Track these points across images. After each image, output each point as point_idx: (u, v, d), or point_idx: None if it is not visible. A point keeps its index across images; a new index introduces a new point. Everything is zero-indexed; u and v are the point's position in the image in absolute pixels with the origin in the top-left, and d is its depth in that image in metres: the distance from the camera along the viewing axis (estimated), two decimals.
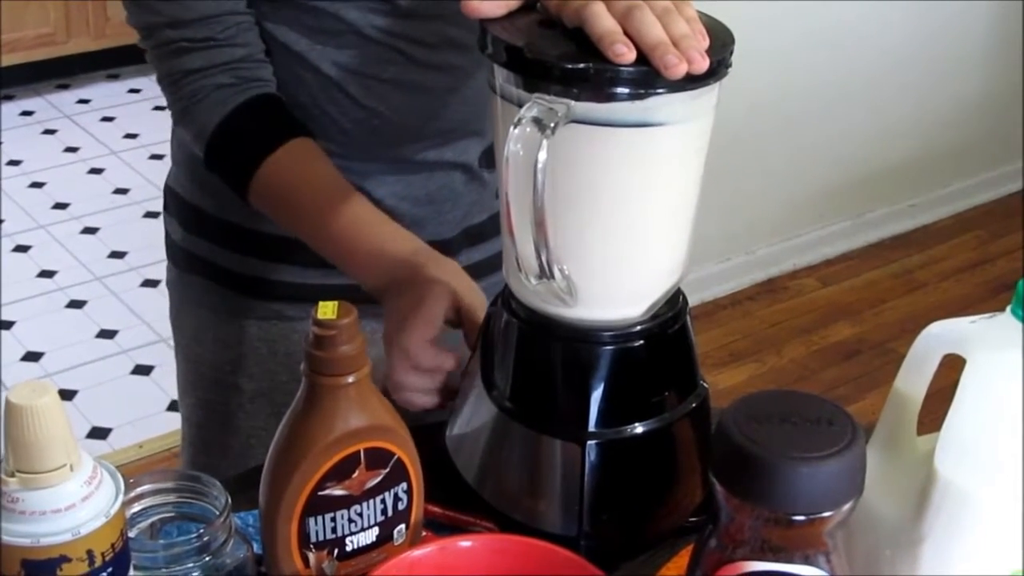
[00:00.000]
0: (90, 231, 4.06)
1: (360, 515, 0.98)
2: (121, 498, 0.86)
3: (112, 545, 0.86)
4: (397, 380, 1.19)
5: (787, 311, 3.72)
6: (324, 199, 1.28)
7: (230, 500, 0.98)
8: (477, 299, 1.24)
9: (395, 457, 0.98)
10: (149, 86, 4.83)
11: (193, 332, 1.51)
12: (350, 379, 0.94)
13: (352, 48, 1.31)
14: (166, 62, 1.31)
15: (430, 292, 1.20)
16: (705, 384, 1.14)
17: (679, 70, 0.93)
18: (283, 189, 1.29)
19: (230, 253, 1.45)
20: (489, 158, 1.43)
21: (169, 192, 1.51)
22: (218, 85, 1.29)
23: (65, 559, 0.84)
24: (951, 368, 0.90)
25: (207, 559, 0.96)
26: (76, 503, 0.84)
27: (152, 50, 1.32)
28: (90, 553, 0.85)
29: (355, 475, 0.96)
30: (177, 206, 1.50)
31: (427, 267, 1.24)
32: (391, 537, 1.00)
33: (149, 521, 0.99)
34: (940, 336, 0.92)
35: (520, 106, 0.95)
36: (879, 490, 0.90)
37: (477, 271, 1.47)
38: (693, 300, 1.12)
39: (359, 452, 0.96)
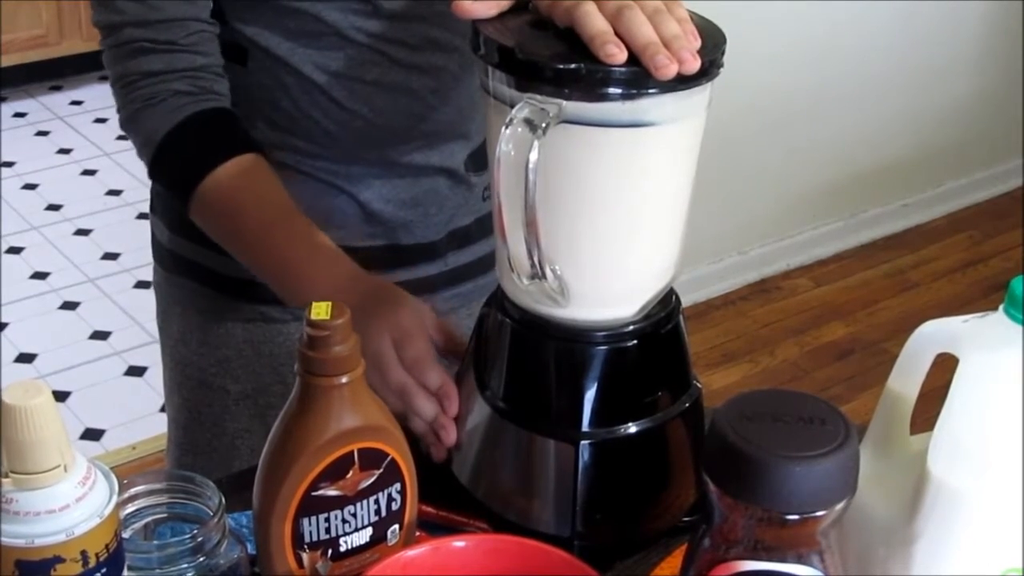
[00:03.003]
0: (83, 232, 4.06)
1: (354, 515, 0.98)
2: (115, 499, 0.86)
3: (106, 546, 0.86)
4: (416, 406, 1.15)
5: (780, 311, 3.72)
6: (261, 219, 1.27)
7: (224, 501, 0.98)
8: (428, 315, 1.21)
9: (389, 457, 0.98)
10: None
11: (179, 334, 1.51)
12: (344, 379, 0.94)
13: (334, 50, 1.31)
14: (124, 62, 1.30)
15: (405, 302, 1.19)
16: (698, 384, 1.14)
17: (669, 70, 0.93)
18: (221, 207, 1.28)
19: (216, 255, 1.44)
20: (475, 161, 1.43)
21: (155, 193, 1.51)
22: (175, 91, 1.28)
23: (59, 560, 0.84)
24: (944, 368, 0.90)
25: (201, 559, 0.96)
26: (70, 504, 0.84)
27: (111, 49, 1.30)
28: (84, 554, 0.85)
29: (349, 475, 0.96)
30: (163, 207, 1.50)
31: (380, 281, 1.22)
32: (385, 537, 1.00)
33: (143, 522, 0.99)
34: (933, 335, 0.92)
35: (512, 107, 0.95)
36: (872, 489, 0.90)
37: (463, 274, 1.47)
38: (686, 301, 1.12)
39: (353, 452, 0.96)
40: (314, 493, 0.95)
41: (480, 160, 1.43)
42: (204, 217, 1.30)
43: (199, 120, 1.28)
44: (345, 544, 0.98)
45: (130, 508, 0.98)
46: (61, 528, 0.84)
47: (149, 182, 1.52)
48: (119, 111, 1.32)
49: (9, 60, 4.73)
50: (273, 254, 1.27)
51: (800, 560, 0.80)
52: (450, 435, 1.13)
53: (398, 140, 1.38)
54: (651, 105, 0.97)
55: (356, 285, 1.22)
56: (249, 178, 1.28)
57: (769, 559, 0.80)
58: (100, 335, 3.56)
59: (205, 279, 1.47)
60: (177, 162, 1.30)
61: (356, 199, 1.40)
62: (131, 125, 1.32)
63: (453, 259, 1.48)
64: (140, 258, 3.82)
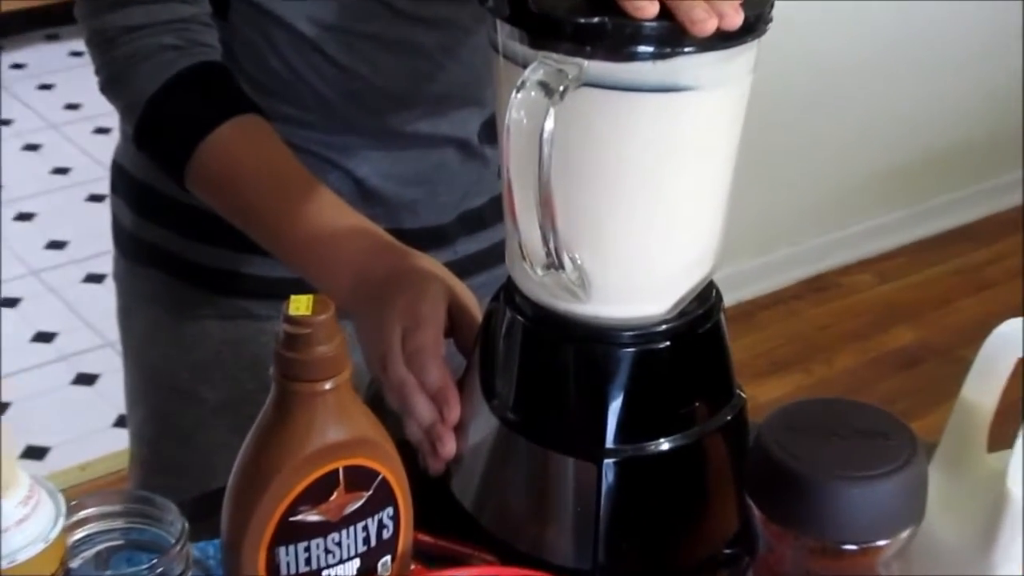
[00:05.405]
0: (24, 217, 4.07)
1: (339, 544, 0.98)
2: (62, 522, 0.87)
3: None
4: (412, 406, 1.16)
5: (838, 312, 3.72)
6: (276, 185, 1.28)
7: (187, 526, 0.98)
8: (469, 297, 1.23)
9: (379, 477, 0.98)
10: None
11: (144, 333, 1.52)
12: (327, 385, 0.94)
13: (330, 0, 1.31)
14: (101, 16, 1.30)
15: (428, 288, 1.20)
16: (742, 393, 1.14)
17: (708, 26, 0.93)
18: (227, 172, 1.29)
19: (189, 241, 1.45)
20: (490, 131, 1.43)
21: (117, 169, 1.52)
22: (162, 46, 1.29)
23: None
24: None
25: None
26: (10, 526, 0.84)
27: (85, 3, 1.32)
28: None
29: (333, 498, 0.97)
30: (127, 186, 1.50)
31: (411, 258, 1.23)
32: (375, 570, 1.01)
33: (95, 550, 0.99)
34: (1012, 337, 0.93)
35: (525, 67, 0.96)
36: (942, 515, 0.90)
37: (476, 263, 1.48)
38: (728, 300, 1.12)
39: (338, 471, 0.96)
40: (292, 518, 0.96)
41: (496, 130, 1.43)
42: (203, 188, 1.31)
43: (190, 76, 1.29)
44: None
45: (80, 533, 0.98)
46: None
47: (102, 158, 1.53)
48: (98, 72, 1.33)
49: None
50: (287, 229, 1.27)
51: None
52: (447, 446, 1.14)
53: (403, 106, 1.39)
54: (686, 67, 0.97)
55: (378, 263, 1.23)
56: (252, 141, 1.29)
57: None
58: (44, 337, 3.57)
59: (176, 269, 1.48)
60: (168, 125, 1.30)
61: (352, 175, 1.41)
62: (113, 87, 1.33)
63: (464, 246, 1.49)
64: (91, 247, 3.82)
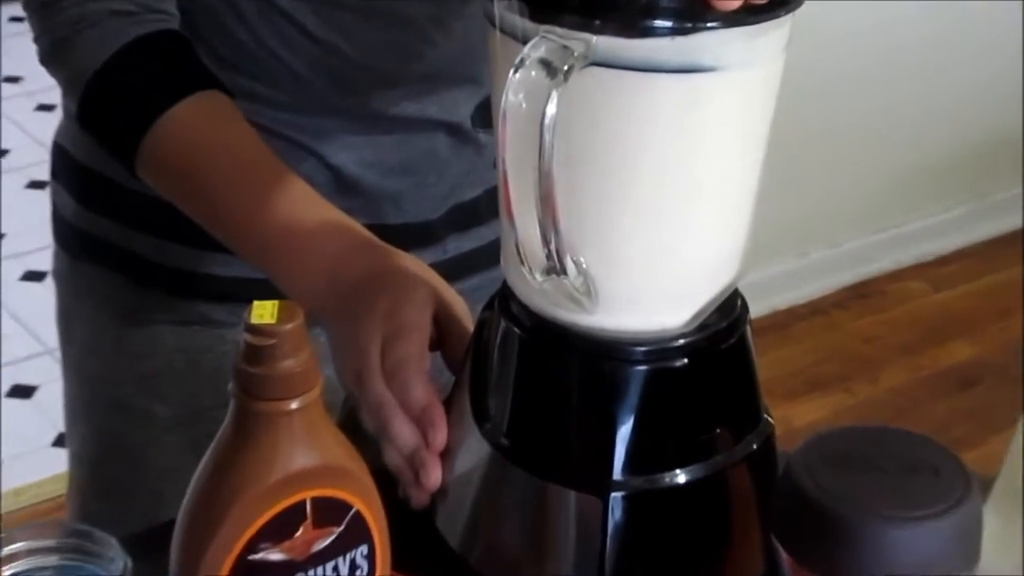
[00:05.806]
0: None
1: None
2: None
3: None
4: (392, 430, 1.16)
5: (885, 324, 3.73)
6: (240, 173, 1.28)
7: (131, 564, 0.98)
8: (459, 304, 1.23)
9: (353, 510, 0.98)
10: None
11: (87, 339, 1.52)
12: (294, 404, 0.94)
13: None
14: None
15: (413, 293, 1.20)
16: (770, 418, 1.14)
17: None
18: (184, 157, 1.29)
19: (140, 235, 1.46)
20: (485, 114, 1.43)
21: (58, 152, 1.52)
22: (111, 11, 1.29)
23: None
24: None
25: None
26: None
27: None
28: None
29: (299, 533, 0.96)
30: (69, 171, 1.51)
31: (393, 258, 1.23)
32: None
33: None
34: None
35: (525, 43, 0.96)
36: (1000, 560, 0.90)
37: (469, 264, 1.48)
38: (759, 308, 1.13)
39: (305, 503, 0.96)
40: (252, 556, 0.96)
41: (492, 113, 1.43)
42: (156, 176, 1.31)
43: (144, 46, 1.29)
44: None
45: (7, 572, 0.98)
46: None
47: (45, 139, 1.53)
48: (37, 40, 1.33)
49: None
50: (252, 223, 1.27)
51: None
52: (431, 475, 1.14)
53: (385, 84, 1.39)
54: (709, 44, 0.97)
55: (356, 263, 1.23)
56: (214, 122, 1.30)
57: None
58: None
59: (124, 267, 1.48)
60: (117, 102, 1.31)
61: (327, 162, 1.41)
62: (55, 57, 1.33)
63: (455, 244, 1.50)
64: (31, 240, 3.83)
